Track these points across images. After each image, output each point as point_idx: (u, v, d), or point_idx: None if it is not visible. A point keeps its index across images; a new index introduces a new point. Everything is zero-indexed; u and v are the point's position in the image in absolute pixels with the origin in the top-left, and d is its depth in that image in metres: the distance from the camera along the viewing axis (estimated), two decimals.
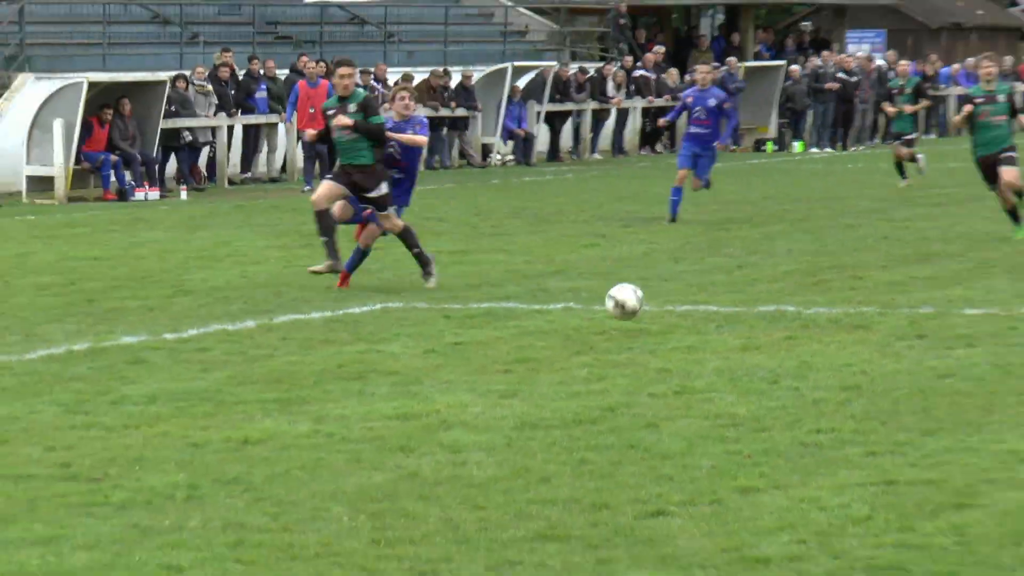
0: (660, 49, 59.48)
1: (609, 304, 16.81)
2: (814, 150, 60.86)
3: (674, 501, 12.98)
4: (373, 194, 26.75)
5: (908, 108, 41.49)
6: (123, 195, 45.29)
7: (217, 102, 49.38)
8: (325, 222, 27.43)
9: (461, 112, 54.82)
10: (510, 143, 56.09)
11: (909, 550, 11.62)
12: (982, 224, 30.43)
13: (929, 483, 13.47)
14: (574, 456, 14.72)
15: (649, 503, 12.96)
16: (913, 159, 42.19)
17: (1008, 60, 76.93)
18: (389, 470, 14.32)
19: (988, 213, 32.80)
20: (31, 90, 46.22)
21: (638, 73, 60.99)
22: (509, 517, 12.63)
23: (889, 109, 46.77)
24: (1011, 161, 29.60)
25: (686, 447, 14.86)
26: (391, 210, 27.28)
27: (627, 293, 16.73)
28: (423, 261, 27.08)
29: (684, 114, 37.74)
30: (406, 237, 27.48)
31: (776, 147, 62.22)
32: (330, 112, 28.55)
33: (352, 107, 27.50)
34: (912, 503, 12.85)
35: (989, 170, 29.26)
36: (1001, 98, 30.14)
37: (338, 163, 28.91)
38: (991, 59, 31.96)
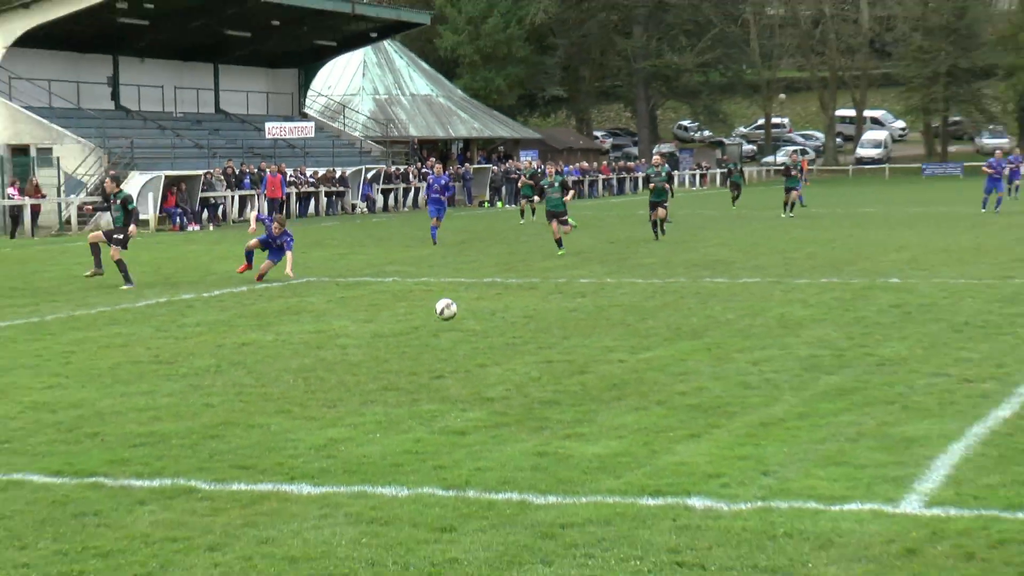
0: (433, 159, 58.71)
1: (446, 309, 16.15)
2: (508, 206, 60.36)
3: (447, 371, 13.09)
4: (118, 236, 23.28)
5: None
6: (183, 228, 44.37)
7: (226, 184, 48.50)
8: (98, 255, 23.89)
9: (341, 188, 54.14)
10: (364, 203, 55.39)
11: (560, 393, 11.81)
12: (586, 241, 30.45)
13: (567, 362, 13.50)
14: (399, 350, 14.69)
15: (435, 372, 13.04)
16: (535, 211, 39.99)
17: (591, 165, 77.11)
18: (312, 357, 14.24)
19: (578, 239, 32.55)
20: (137, 179, 44.94)
21: (424, 170, 60.47)
22: (369, 379, 12.73)
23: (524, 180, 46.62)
24: (564, 220, 28.90)
25: (452, 345, 14.85)
26: (117, 248, 23.45)
27: (447, 305, 16.18)
28: (126, 276, 23.28)
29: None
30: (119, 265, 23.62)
31: (489, 205, 61.64)
32: (106, 204, 24.94)
33: (118, 201, 23.83)
34: (559, 371, 12.97)
35: (551, 218, 28.63)
36: (556, 182, 29.93)
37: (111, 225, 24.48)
38: (552, 164, 31.50)
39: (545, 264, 25.93)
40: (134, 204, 24.78)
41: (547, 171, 34.65)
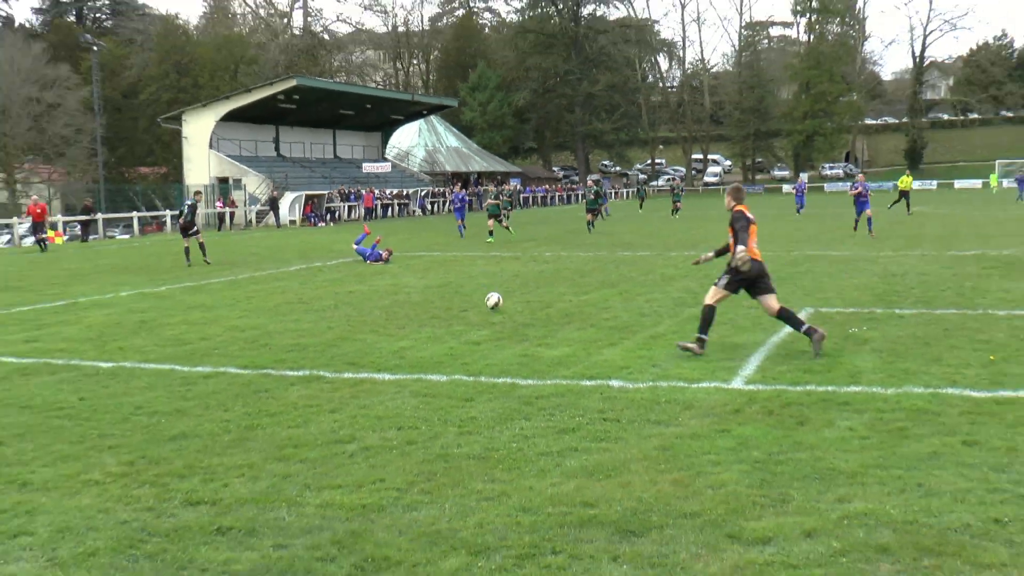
0: (459, 184, 58.04)
1: (492, 300, 12.48)
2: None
3: (468, 307, 12.89)
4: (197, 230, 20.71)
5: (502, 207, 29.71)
6: (315, 225, 44.05)
7: (340, 198, 48.14)
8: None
9: (406, 201, 53.73)
10: (420, 210, 54.87)
11: (535, 320, 11.52)
12: (548, 231, 30.05)
13: (538, 301, 13.23)
14: (439, 294, 14.44)
15: (462, 308, 12.85)
16: (503, 224, 30.01)
17: (551, 187, 76.33)
18: (390, 299, 14.02)
19: (543, 229, 32.11)
20: (289, 196, 44.92)
21: (453, 191, 59.83)
22: (423, 312, 12.55)
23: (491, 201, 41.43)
24: (499, 219, 26.40)
25: (471, 292, 14.59)
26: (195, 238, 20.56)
27: (494, 298, 14.32)
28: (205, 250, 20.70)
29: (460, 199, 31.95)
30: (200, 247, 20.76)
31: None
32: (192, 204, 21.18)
33: (189, 206, 20.83)
34: (534, 306, 12.66)
35: (490, 217, 26.84)
36: (493, 196, 28.52)
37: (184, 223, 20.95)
38: (495, 186, 29.42)
39: (524, 244, 25.69)
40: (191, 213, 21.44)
41: (489, 188, 32.98)
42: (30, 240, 32.34)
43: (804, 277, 15.59)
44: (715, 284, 8.90)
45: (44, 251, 28.86)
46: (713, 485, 5.25)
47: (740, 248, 8.60)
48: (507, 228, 28.63)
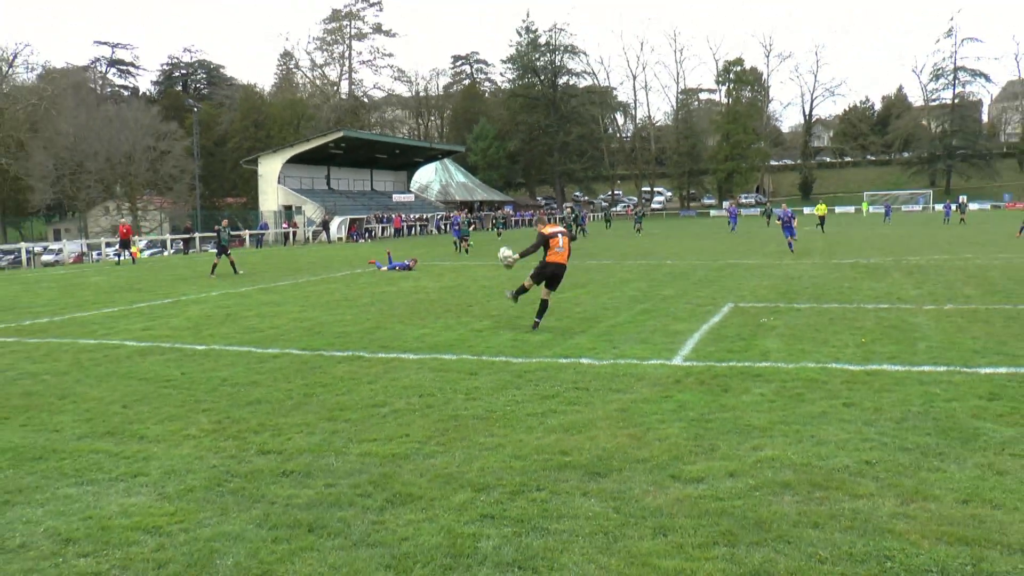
0: (465, 209, 57.77)
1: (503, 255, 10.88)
2: (495, 231, 58.69)
3: (473, 303, 12.71)
4: (228, 250, 18.30)
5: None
6: (356, 241, 43.59)
7: (376, 221, 47.86)
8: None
9: (426, 223, 53.41)
10: (436, 230, 54.51)
11: (524, 313, 11.30)
12: (523, 244, 30.07)
13: (525, 299, 12.82)
14: (451, 293, 14.24)
15: (468, 304, 12.64)
16: (465, 244, 27.05)
17: (535, 212, 75.88)
18: (412, 298, 13.81)
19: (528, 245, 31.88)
20: (337, 219, 44.74)
21: (455, 215, 59.09)
22: (438, 307, 12.34)
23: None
24: (466, 239, 24.44)
25: (475, 291, 14.43)
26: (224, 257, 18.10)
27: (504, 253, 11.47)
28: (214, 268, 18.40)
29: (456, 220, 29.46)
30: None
31: (496, 232, 58.90)
32: (226, 227, 18.58)
33: (227, 233, 18.16)
34: (522, 302, 12.34)
35: (462, 238, 24.30)
36: (466, 223, 26.71)
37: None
38: (464, 213, 25.82)
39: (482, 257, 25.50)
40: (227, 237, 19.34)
41: (459, 217, 31.47)
42: (122, 254, 31.04)
43: (727, 279, 15.53)
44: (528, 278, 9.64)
45: (120, 264, 27.89)
46: (660, 438, 5.22)
47: (515, 255, 9.86)
48: (466, 250, 27.42)
